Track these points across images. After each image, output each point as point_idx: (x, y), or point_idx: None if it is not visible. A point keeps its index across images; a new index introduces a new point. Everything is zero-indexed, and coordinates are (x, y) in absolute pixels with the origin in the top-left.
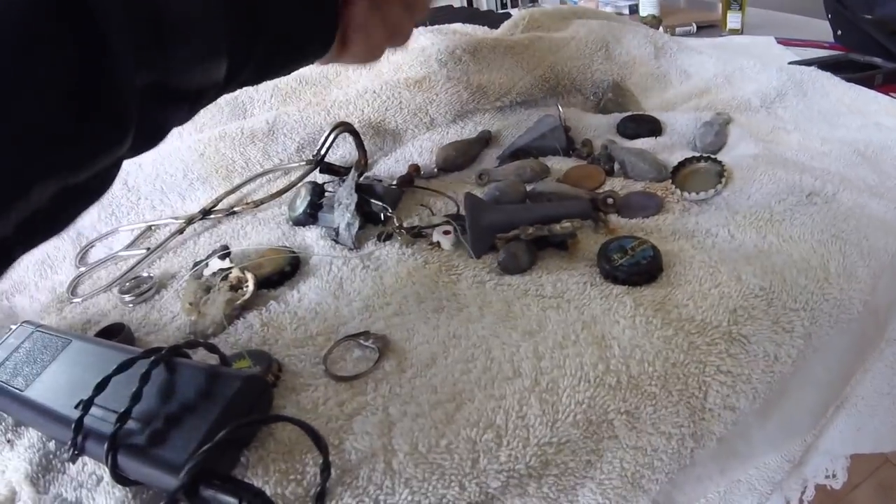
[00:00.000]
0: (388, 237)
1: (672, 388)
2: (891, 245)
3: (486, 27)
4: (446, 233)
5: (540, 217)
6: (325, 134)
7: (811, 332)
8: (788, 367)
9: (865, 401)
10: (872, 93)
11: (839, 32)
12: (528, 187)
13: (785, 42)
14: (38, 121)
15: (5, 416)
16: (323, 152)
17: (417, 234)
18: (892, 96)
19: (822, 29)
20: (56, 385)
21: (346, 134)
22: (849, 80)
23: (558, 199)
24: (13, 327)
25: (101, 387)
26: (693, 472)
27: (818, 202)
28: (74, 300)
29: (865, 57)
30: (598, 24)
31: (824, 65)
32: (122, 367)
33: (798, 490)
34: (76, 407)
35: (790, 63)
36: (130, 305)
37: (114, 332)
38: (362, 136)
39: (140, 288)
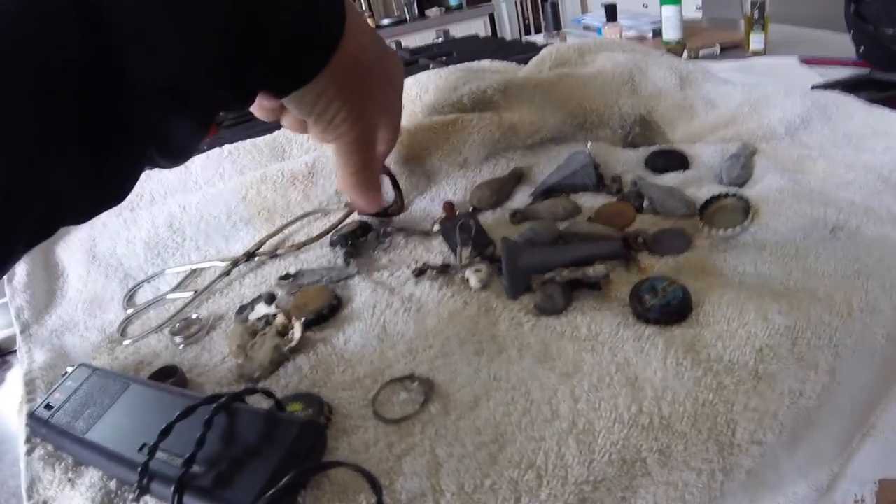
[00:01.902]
0: (422, 273)
1: (702, 426)
2: None
3: (514, 63)
4: (477, 271)
5: (574, 259)
6: None
7: (835, 366)
8: (814, 401)
9: (893, 427)
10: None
11: (862, 49)
12: (561, 226)
13: (808, 61)
14: None
15: (65, 456)
16: None
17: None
18: None
19: (846, 44)
20: (118, 428)
21: (383, 176)
22: (872, 101)
23: (591, 238)
24: (69, 370)
25: (165, 432)
26: (723, 503)
27: (842, 237)
28: (125, 341)
29: (887, 75)
30: (623, 57)
31: (847, 85)
32: (185, 414)
33: None
34: (140, 450)
35: (814, 86)
36: (181, 347)
37: (168, 374)
38: (397, 178)
39: (190, 330)
